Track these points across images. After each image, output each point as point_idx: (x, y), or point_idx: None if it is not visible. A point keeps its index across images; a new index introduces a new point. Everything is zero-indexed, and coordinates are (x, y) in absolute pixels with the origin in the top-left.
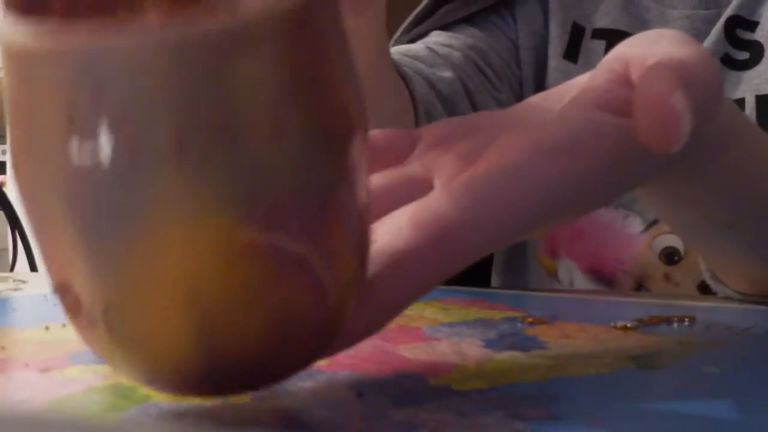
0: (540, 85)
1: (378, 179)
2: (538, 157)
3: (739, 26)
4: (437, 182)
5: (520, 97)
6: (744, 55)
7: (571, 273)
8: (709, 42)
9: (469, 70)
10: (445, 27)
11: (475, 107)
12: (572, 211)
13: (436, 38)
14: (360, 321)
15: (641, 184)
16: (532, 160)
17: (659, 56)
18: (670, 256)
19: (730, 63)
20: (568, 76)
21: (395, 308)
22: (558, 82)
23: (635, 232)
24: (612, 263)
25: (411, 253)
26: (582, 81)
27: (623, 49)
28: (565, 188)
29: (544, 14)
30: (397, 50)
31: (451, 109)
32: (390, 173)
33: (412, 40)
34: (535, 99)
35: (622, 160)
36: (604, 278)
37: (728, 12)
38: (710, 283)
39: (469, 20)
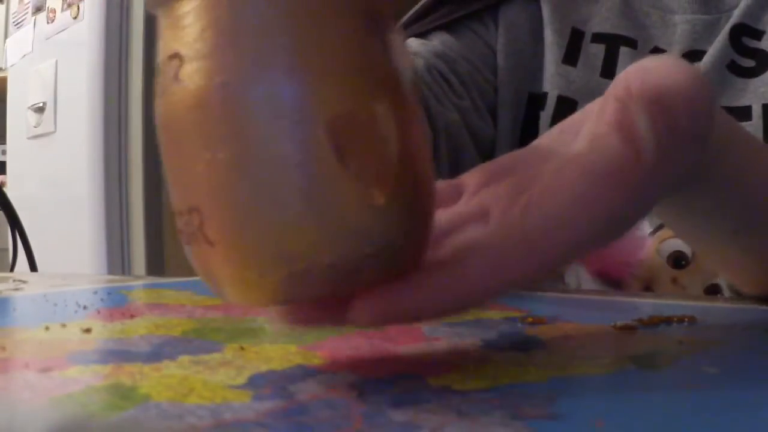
0: (519, 89)
1: (437, 218)
2: (586, 184)
3: (745, 34)
4: (494, 214)
5: (493, 103)
6: (750, 63)
7: (579, 277)
8: (714, 48)
9: (428, 78)
10: (421, 34)
11: (428, 112)
12: (619, 230)
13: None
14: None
15: (668, 196)
16: (582, 187)
17: (648, 86)
18: (677, 260)
19: (736, 70)
20: (569, 80)
21: (474, 293)
22: (559, 86)
23: (642, 236)
24: (620, 267)
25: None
26: (593, 109)
27: (626, 76)
28: (615, 208)
29: (530, 23)
30: None
31: None
32: (447, 212)
33: None
34: (554, 132)
35: (654, 178)
36: (612, 282)
37: (733, 20)
38: (720, 281)
39: (446, 27)
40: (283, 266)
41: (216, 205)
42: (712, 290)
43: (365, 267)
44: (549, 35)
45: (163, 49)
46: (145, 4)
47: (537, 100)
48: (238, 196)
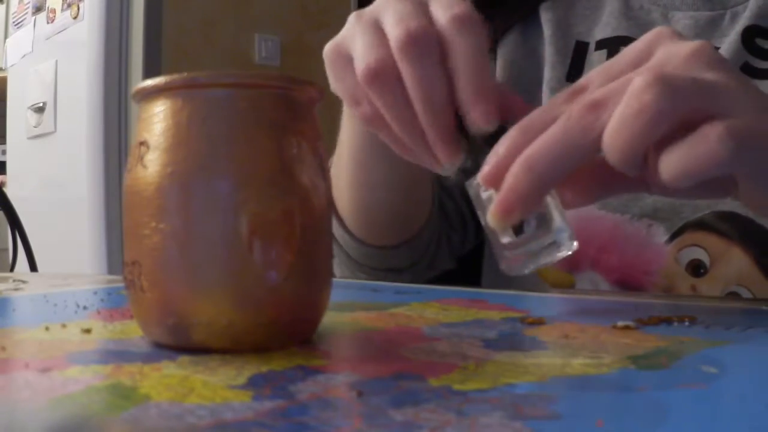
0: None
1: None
2: None
3: (758, 35)
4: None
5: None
6: (764, 65)
7: (597, 285)
8: (726, 50)
9: None
10: None
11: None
12: None
13: None
14: None
15: None
16: None
17: None
18: (696, 269)
19: (750, 72)
20: None
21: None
22: None
23: (660, 242)
24: (640, 276)
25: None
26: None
27: None
28: None
29: (527, 43)
30: None
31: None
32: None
33: None
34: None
35: None
36: (633, 290)
37: (744, 21)
38: (738, 289)
39: None
40: (193, 317)
41: (151, 263)
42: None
43: (257, 332)
44: (551, 54)
45: (137, 135)
46: (131, 97)
47: None
48: (169, 259)
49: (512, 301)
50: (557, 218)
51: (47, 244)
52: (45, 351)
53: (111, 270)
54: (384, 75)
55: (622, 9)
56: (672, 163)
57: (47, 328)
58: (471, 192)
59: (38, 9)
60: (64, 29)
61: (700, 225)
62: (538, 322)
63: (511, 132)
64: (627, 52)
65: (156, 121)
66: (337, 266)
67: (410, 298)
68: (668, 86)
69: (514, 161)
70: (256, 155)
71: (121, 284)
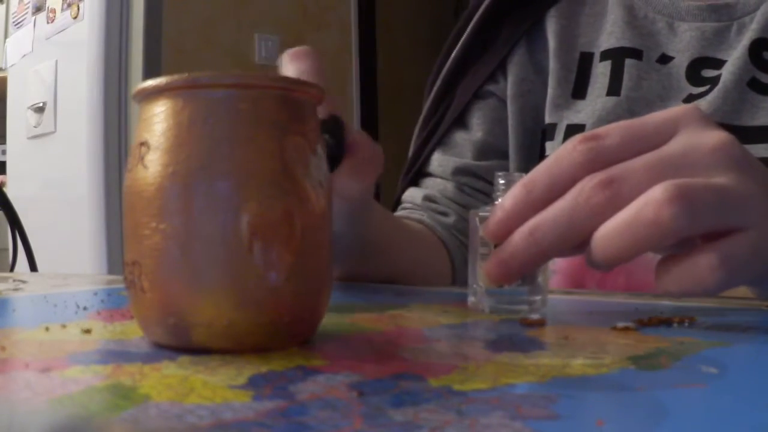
0: (529, 128)
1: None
2: None
3: (765, 49)
4: None
5: (505, 162)
6: None
7: None
8: (734, 65)
9: (464, 199)
10: (442, 136)
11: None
12: None
13: (434, 167)
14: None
15: None
16: None
17: None
18: None
19: (757, 87)
20: (577, 110)
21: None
22: (568, 117)
23: None
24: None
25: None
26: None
27: None
28: None
29: (531, 60)
30: (410, 202)
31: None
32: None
33: (421, 148)
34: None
35: None
36: None
37: (752, 34)
38: None
39: (464, 115)
40: (193, 317)
41: (152, 263)
42: None
43: (258, 333)
44: (556, 70)
45: (137, 135)
46: (131, 98)
47: (544, 132)
48: (169, 259)
49: None
50: (541, 284)
51: (47, 244)
52: (45, 351)
53: (111, 270)
54: None
55: (626, 17)
56: (665, 280)
57: (47, 329)
58: (470, 222)
59: (38, 9)
60: (64, 29)
61: None
62: (539, 323)
63: (516, 188)
64: (651, 118)
65: (157, 122)
66: None
67: (410, 299)
68: (689, 207)
69: (518, 219)
70: (256, 156)
71: (121, 285)
